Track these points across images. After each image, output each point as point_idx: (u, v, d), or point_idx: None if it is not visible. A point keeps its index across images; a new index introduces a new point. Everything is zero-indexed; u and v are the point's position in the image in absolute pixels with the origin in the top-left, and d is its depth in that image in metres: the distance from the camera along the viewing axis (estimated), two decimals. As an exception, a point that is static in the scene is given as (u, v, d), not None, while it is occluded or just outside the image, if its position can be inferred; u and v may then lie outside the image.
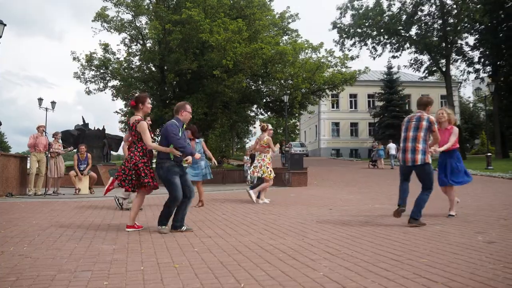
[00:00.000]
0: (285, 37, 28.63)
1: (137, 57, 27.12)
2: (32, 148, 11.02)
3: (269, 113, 32.18)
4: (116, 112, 28.96)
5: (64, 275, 3.09)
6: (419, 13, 32.88)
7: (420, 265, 3.26)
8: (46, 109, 27.94)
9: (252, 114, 31.86)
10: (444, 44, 31.81)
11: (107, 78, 26.76)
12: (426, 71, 34.98)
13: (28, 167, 11.59)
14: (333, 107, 46.29)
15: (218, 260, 3.59)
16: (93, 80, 26.59)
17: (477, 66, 33.59)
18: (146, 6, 26.09)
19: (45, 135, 11.34)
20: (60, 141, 11.98)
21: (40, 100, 27.51)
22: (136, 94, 5.24)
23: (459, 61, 34.47)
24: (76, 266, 3.36)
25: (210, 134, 37.50)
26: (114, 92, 27.24)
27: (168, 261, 3.55)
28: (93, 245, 4.26)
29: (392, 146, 25.61)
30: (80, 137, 19.00)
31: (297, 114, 33.12)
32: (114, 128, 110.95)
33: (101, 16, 25.11)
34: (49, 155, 11.31)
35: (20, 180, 11.01)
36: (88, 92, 27.04)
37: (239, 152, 55.43)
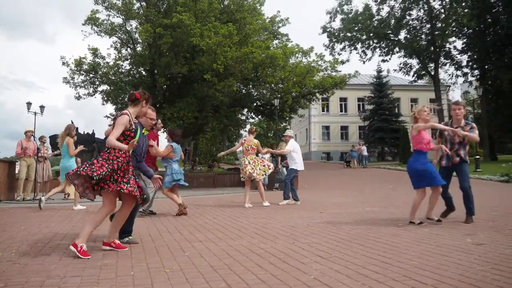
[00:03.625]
0: (276, 41, 28.76)
1: (127, 61, 27.02)
2: (21, 153, 10.88)
3: (259, 116, 32.24)
4: (107, 116, 28.75)
5: (53, 281, 3.06)
6: (408, 17, 33.25)
7: (410, 268, 3.29)
8: (35, 113, 27.67)
9: (243, 118, 31.90)
10: (432, 48, 32.19)
11: (97, 83, 26.61)
12: (415, 75, 35.33)
13: (16, 172, 11.45)
14: (323, 110, 46.49)
15: (209, 264, 3.58)
16: (82, 85, 26.44)
17: (465, 70, 34.07)
18: (136, 10, 26.02)
19: (34, 139, 11.22)
20: (46, 145, 11.84)
21: (29, 104, 27.23)
22: (143, 91, 4.70)
23: (448, 64, 34.92)
24: (66, 272, 3.32)
25: (201, 138, 37.44)
26: (104, 96, 27.10)
27: (158, 266, 3.53)
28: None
29: (364, 149, 28.86)
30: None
31: (287, 118, 33.24)
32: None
33: (91, 20, 24.99)
34: (37, 160, 11.18)
35: (8, 185, 10.87)
36: (78, 97, 26.87)
37: (230, 156, 55.31)
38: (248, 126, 31.86)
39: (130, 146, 4.06)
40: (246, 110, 29.86)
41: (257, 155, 9.36)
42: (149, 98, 4.45)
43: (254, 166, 8.93)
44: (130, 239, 4.69)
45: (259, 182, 9.14)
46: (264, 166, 9.06)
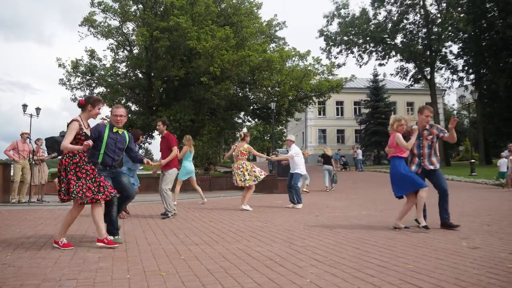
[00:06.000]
0: (273, 45, 28.79)
1: (123, 64, 26.98)
2: (16, 154, 10.83)
3: (256, 120, 32.24)
4: (103, 118, 28.67)
5: (49, 284, 3.05)
6: (404, 21, 33.41)
7: (406, 271, 3.30)
8: (31, 115, 27.59)
9: (240, 121, 31.90)
10: (428, 52, 32.34)
11: (93, 85, 26.56)
12: (412, 79, 35.47)
13: (11, 174, 11.40)
14: (319, 114, 46.55)
15: (205, 267, 3.57)
16: (79, 86, 26.38)
17: (461, 74, 34.27)
18: (133, 13, 26.00)
19: (29, 141, 11.18)
20: (42, 147, 11.79)
21: (25, 106, 27.15)
22: (89, 95, 4.95)
23: (444, 69, 35.09)
24: (61, 275, 3.31)
25: (197, 141, 37.38)
26: (100, 98, 27.04)
27: (154, 269, 3.52)
28: (78, 253, 4.20)
29: (359, 152, 30.25)
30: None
31: (284, 121, 33.25)
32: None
33: (88, 21, 24.95)
34: (33, 162, 11.14)
35: (3, 188, 10.81)
36: (74, 99, 26.79)
37: (226, 159, 55.28)
38: (244, 129, 31.91)
39: (85, 146, 4.39)
40: (242, 113, 29.87)
41: (251, 159, 9.29)
42: (95, 101, 4.84)
43: (242, 171, 8.86)
44: (116, 239, 4.73)
45: (250, 186, 8.98)
46: (255, 171, 8.89)
